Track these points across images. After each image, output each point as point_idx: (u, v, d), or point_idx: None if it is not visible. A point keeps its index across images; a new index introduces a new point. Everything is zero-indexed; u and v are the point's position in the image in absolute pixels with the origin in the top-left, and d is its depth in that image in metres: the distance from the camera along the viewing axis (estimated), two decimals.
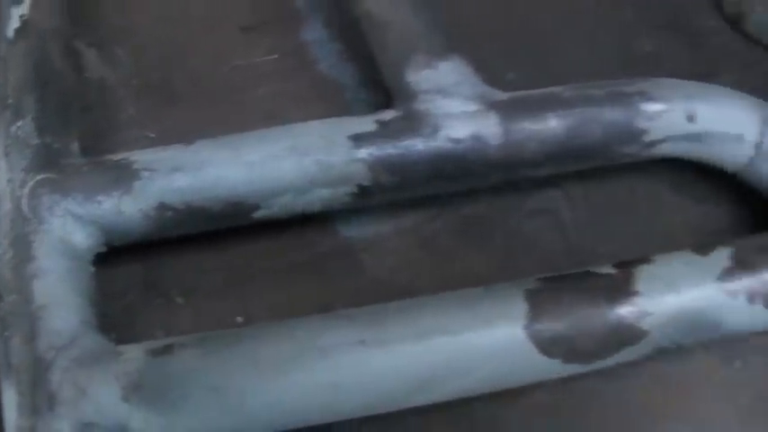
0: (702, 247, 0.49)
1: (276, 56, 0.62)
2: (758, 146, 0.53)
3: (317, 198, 0.51)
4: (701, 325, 0.48)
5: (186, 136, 0.52)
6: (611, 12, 0.65)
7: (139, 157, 0.51)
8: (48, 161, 0.51)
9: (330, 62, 0.62)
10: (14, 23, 0.57)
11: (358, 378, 0.45)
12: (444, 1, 0.59)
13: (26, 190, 0.49)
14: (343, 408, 0.46)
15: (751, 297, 0.48)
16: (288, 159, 0.51)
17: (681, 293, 0.47)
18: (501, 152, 0.51)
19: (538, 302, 0.47)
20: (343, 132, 0.51)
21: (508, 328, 0.46)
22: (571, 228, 0.57)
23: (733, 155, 0.53)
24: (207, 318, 0.53)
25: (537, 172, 0.53)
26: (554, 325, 0.46)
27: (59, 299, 0.47)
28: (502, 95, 0.52)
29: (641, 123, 0.52)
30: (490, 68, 0.56)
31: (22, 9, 0.57)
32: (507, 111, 0.51)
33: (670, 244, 0.50)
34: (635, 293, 0.47)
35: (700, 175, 0.57)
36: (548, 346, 0.46)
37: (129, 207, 0.50)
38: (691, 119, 0.52)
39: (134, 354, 0.45)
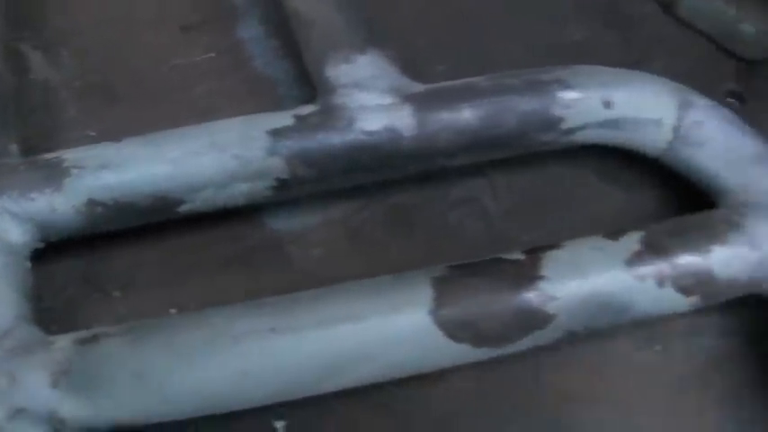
0: (614, 233, 0.50)
1: (213, 54, 0.64)
2: (676, 130, 0.53)
3: (239, 192, 0.53)
4: (610, 309, 0.49)
5: (126, 135, 0.54)
6: (543, 0, 0.65)
7: (70, 155, 0.53)
8: None
9: (265, 59, 0.64)
10: None
11: (269, 364, 0.47)
12: None
13: None
14: (257, 394, 0.47)
15: (660, 281, 0.49)
16: (208, 155, 0.52)
17: (588, 278, 0.48)
18: (415, 143, 0.52)
19: (444, 288, 0.48)
20: (261, 128, 0.53)
21: (414, 314, 0.48)
22: (495, 216, 0.58)
23: (652, 140, 0.54)
24: (142, 311, 0.55)
25: (453, 161, 0.54)
26: (459, 310, 0.48)
27: None
28: (418, 87, 0.53)
29: (558, 111, 0.53)
30: (421, 61, 0.58)
31: None
32: (422, 102, 0.53)
33: (594, 231, 0.51)
34: (540, 278, 0.48)
35: (625, 161, 0.58)
36: (454, 330, 0.47)
37: (60, 204, 0.52)
38: (608, 105, 0.53)
39: (63, 343, 0.47)
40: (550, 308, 0.48)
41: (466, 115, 0.53)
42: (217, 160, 0.52)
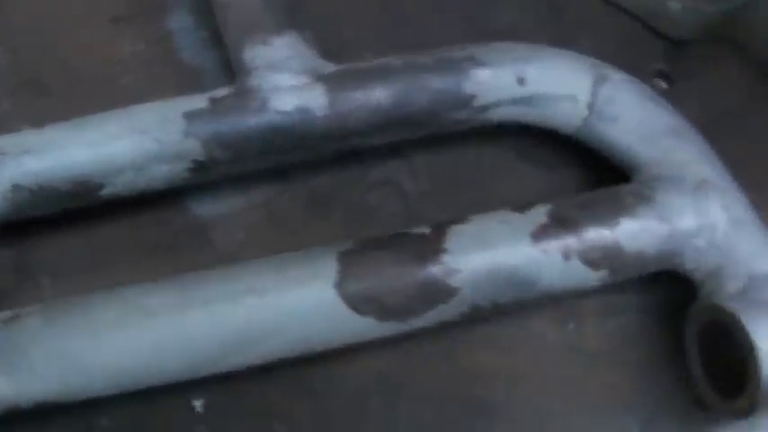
0: (522, 206, 0.51)
1: (143, 46, 0.65)
2: (591, 106, 0.54)
3: (158, 175, 0.54)
4: (515, 282, 0.50)
5: None
6: None
7: None
8: None
9: (193, 50, 0.65)
10: None
11: (180, 338, 0.48)
12: None
13: None
14: (171, 368, 0.49)
15: (566, 254, 0.49)
16: (126, 138, 0.54)
17: (492, 251, 0.49)
18: (328, 123, 0.53)
19: (349, 262, 0.49)
20: (177, 111, 0.54)
21: (319, 288, 0.49)
22: (413, 197, 0.59)
23: (567, 116, 0.55)
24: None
25: (369, 141, 0.55)
26: (363, 283, 0.49)
27: None
28: (332, 68, 0.54)
29: (470, 88, 0.54)
30: (348, 48, 0.60)
31: None
32: (335, 82, 0.54)
33: None
34: (443, 251, 0.49)
35: (544, 140, 0.59)
36: (358, 304, 0.48)
37: None
38: (521, 82, 0.54)
39: None
40: (454, 281, 0.48)
41: (378, 94, 0.54)
42: (135, 143, 0.53)
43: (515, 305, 0.51)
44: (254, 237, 0.58)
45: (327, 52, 0.57)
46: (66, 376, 0.47)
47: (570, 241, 0.49)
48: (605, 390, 0.54)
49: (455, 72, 0.54)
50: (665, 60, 0.64)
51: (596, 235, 0.50)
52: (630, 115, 0.54)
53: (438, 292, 0.48)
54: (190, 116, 0.53)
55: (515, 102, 0.54)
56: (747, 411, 0.48)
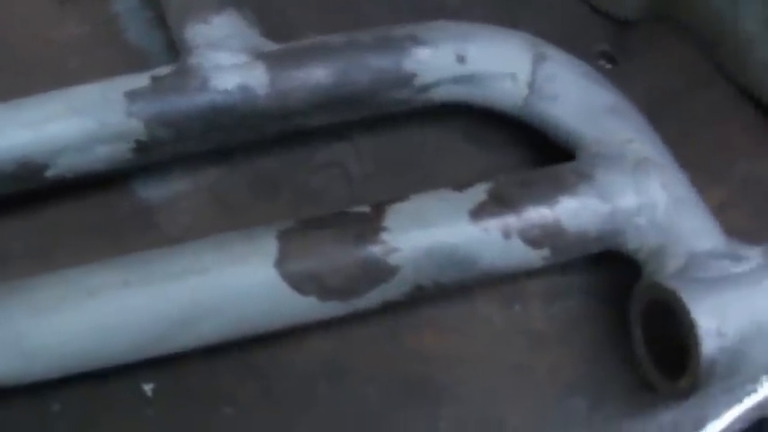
0: (463, 185, 0.49)
1: (88, 27, 0.63)
2: (531, 84, 0.53)
3: (102, 155, 0.52)
4: (455, 261, 0.48)
5: None
6: None
7: None
8: None
9: (139, 31, 0.64)
10: None
11: (123, 318, 0.46)
12: None
13: None
14: (115, 349, 0.47)
15: (506, 232, 0.48)
16: (67, 118, 0.52)
17: (430, 229, 0.48)
18: (269, 102, 0.52)
19: (289, 241, 0.48)
20: (118, 90, 0.52)
21: (259, 266, 0.47)
22: (358, 179, 0.58)
23: (509, 96, 0.54)
24: None
25: (311, 121, 0.53)
26: (303, 262, 0.47)
27: None
28: (273, 46, 0.53)
29: (410, 67, 0.53)
30: (284, 23, 0.58)
31: None
32: (275, 61, 0.52)
33: None
34: (383, 229, 0.47)
35: (490, 121, 0.58)
36: (299, 283, 0.47)
37: None
38: (461, 60, 0.53)
39: None
40: (393, 259, 0.47)
41: (318, 73, 0.52)
42: (76, 123, 0.51)
43: (459, 285, 0.50)
44: (200, 220, 0.56)
45: (270, 31, 0.56)
46: (9, 360, 0.46)
47: (510, 220, 0.48)
48: (551, 371, 0.53)
49: (395, 51, 0.52)
50: (609, 41, 0.63)
51: (536, 213, 0.48)
52: (570, 94, 0.53)
53: (379, 271, 0.47)
54: (131, 95, 0.52)
55: (456, 80, 0.53)
56: (689, 391, 0.47)
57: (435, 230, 0.48)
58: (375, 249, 0.47)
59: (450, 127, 0.60)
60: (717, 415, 0.53)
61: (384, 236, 0.47)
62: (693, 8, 0.62)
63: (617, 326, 0.53)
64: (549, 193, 0.49)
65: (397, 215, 0.48)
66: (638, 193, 0.50)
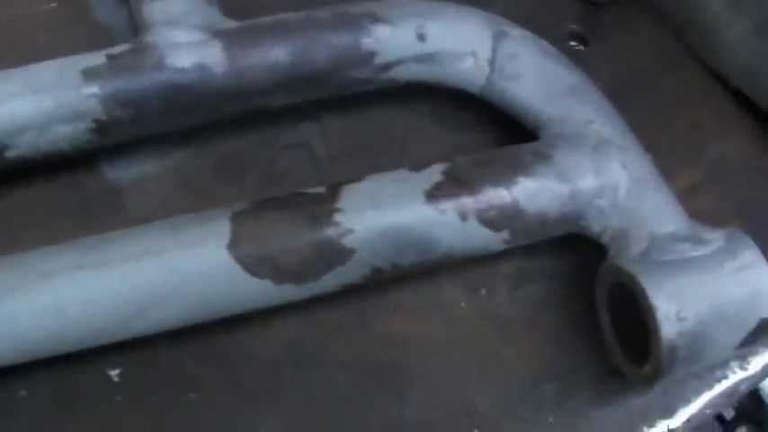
0: (420, 166, 0.47)
1: (55, 4, 0.61)
2: (492, 63, 0.51)
3: (61, 135, 0.50)
4: (412, 243, 0.46)
5: None
6: None
7: None
8: None
9: (107, 8, 0.61)
10: None
11: (77, 300, 0.44)
12: None
13: None
14: (73, 333, 0.45)
15: (463, 213, 0.46)
16: (25, 97, 0.50)
17: (385, 209, 0.46)
18: (227, 81, 0.50)
19: (242, 222, 0.46)
20: (75, 68, 0.50)
21: (212, 248, 0.45)
22: (325, 161, 0.56)
23: (470, 75, 0.52)
24: None
25: (272, 101, 0.51)
26: (255, 244, 0.45)
27: None
28: (231, 24, 0.51)
29: (369, 45, 0.51)
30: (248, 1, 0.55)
31: None
32: (233, 39, 0.50)
33: None
34: (336, 210, 0.45)
35: (459, 102, 0.56)
36: (252, 265, 0.45)
37: None
38: (421, 38, 0.51)
39: None
40: (348, 241, 0.45)
41: (276, 51, 0.50)
42: (33, 102, 0.49)
43: (419, 268, 0.48)
44: (167, 201, 0.54)
45: (231, 9, 0.54)
46: None
47: (466, 201, 0.46)
48: (519, 357, 0.51)
49: (354, 28, 0.51)
50: (580, 22, 0.61)
51: (493, 194, 0.46)
52: (532, 72, 0.51)
53: (334, 254, 0.45)
54: (87, 73, 0.50)
55: (417, 59, 0.51)
56: (653, 377, 0.45)
57: (390, 212, 0.46)
58: (329, 231, 0.45)
59: (417, 108, 0.57)
60: (686, 401, 0.51)
61: (338, 217, 0.45)
62: None
63: (585, 311, 0.51)
64: (506, 174, 0.47)
65: (351, 196, 0.46)
66: (598, 175, 0.48)
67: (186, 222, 0.47)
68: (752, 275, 0.45)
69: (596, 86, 0.52)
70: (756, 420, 0.94)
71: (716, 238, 0.46)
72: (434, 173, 0.46)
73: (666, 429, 0.49)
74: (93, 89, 0.49)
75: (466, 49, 0.51)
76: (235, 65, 0.49)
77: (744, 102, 0.60)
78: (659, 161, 0.51)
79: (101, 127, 0.50)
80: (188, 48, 0.50)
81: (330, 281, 0.46)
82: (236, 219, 0.46)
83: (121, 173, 0.56)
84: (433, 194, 0.46)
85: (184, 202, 0.54)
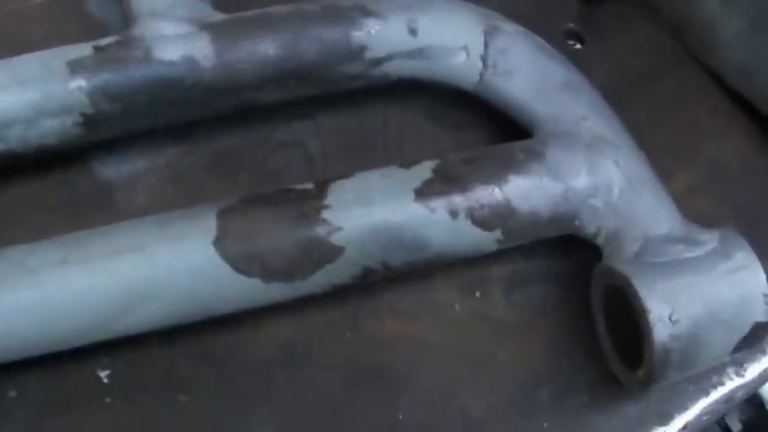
0: (410, 162, 0.45)
1: None
2: (484, 58, 0.49)
3: (49, 129, 0.48)
4: (402, 242, 0.45)
5: None
6: None
7: None
8: None
9: (99, 2, 0.60)
10: None
11: (63, 296, 0.43)
12: None
13: None
14: (59, 330, 0.43)
15: (453, 211, 0.44)
16: (11, 89, 0.48)
17: (373, 207, 0.44)
18: (215, 74, 0.48)
19: (229, 219, 0.44)
20: (61, 59, 0.48)
21: (198, 245, 0.43)
22: (318, 159, 0.54)
23: (463, 71, 0.50)
24: None
25: (263, 96, 0.50)
26: (242, 240, 0.43)
27: None
28: (219, 16, 0.49)
29: (360, 39, 0.49)
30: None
31: None
32: (221, 32, 0.49)
33: None
34: (324, 207, 0.44)
35: (454, 100, 0.54)
36: (239, 263, 0.43)
37: None
38: (413, 32, 0.49)
39: None
40: (336, 239, 0.43)
41: (265, 45, 0.49)
42: (19, 94, 0.47)
43: (411, 268, 0.46)
44: (159, 199, 0.52)
45: (220, 1, 0.52)
46: None
47: (457, 198, 0.44)
48: (514, 361, 0.49)
49: (344, 21, 0.49)
50: (577, 20, 0.59)
51: (484, 192, 0.44)
52: (525, 69, 0.49)
53: (322, 252, 0.43)
54: (73, 65, 0.48)
55: (409, 55, 0.49)
56: (647, 381, 0.43)
57: (379, 209, 0.44)
58: (317, 228, 0.43)
59: (412, 106, 0.56)
60: (683, 408, 0.49)
61: (326, 214, 0.43)
62: None
63: (581, 314, 0.49)
64: (497, 172, 0.45)
65: (339, 192, 0.44)
66: (592, 173, 0.46)
67: (172, 218, 0.45)
68: (746, 277, 0.43)
69: (590, 83, 0.49)
70: None
71: (710, 239, 0.45)
72: (424, 170, 0.45)
73: None
74: (80, 82, 0.48)
75: (458, 43, 0.49)
76: (223, 58, 0.48)
77: (740, 101, 0.58)
78: (655, 161, 0.50)
79: (88, 121, 0.48)
80: (175, 40, 0.48)
81: (319, 280, 0.44)
82: (222, 215, 0.44)
83: (113, 170, 0.54)
84: (423, 192, 0.44)
85: (177, 200, 0.52)
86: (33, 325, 0.43)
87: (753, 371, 0.50)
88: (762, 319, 0.43)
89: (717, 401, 0.49)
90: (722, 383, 0.49)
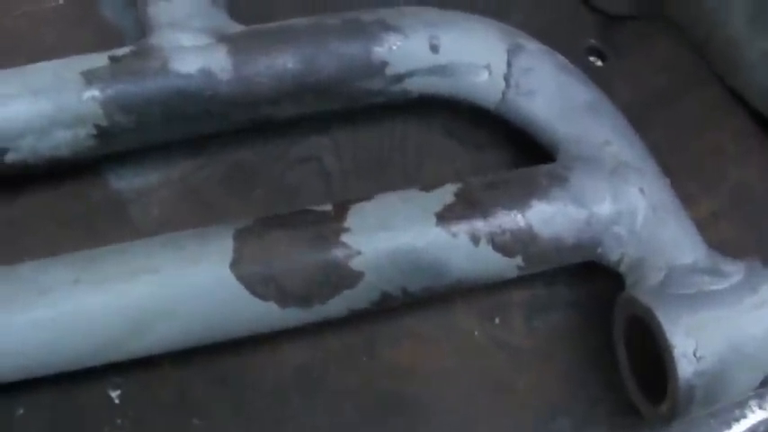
0: (431, 185, 0.42)
1: (62, 1, 0.58)
2: (507, 77, 0.46)
3: (62, 140, 0.47)
4: (422, 267, 0.43)
5: None
6: None
7: None
8: None
9: (113, 7, 0.58)
10: None
11: (75, 317, 0.41)
12: None
13: None
14: (69, 350, 0.42)
15: (474, 237, 0.42)
16: (24, 99, 0.46)
17: (394, 231, 0.42)
18: (233, 88, 0.46)
19: (245, 240, 0.42)
20: (75, 69, 0.46)
21: (214, 266, 0.42)
22: (336, 175, 0.52)
23: (485, 89, 0.48)
24: None
25: (280, 111, 0.47)
26: (259, 263, 0.42)
27: None
28: (237, 28, 0.46)
29: (381, 55, 0.47)
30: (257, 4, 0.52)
31: None
32: (239, 44, 0.47)
33: None
34: (344, 230, 0.42)
35: (475, 119, 0.52)
36: (256, 286, 0.41)
37: None
38: (434, 49, 0.47)
39: None
40: (356, 263, 0.42)
41: (283, 58, 0.47)
42: (31, 104, 0.46)
43: (430, 294, 0.44)
44: (173, 213, 0.51)
45: (238, 12, 0.50)
46: None
47: (478, 224, 0.42)
48: (533, 389, 0.47)
49: (364, 36, 0.47)
50: (598, 37, 0.56)
51: (506, 218, 0.43)
52: (548, 89, 0.47)
53: (340, 276, 0.41)
54: (88, 75, 0.46)
55: (430, 72, 0.47)
56: (670, 416, 0.41)
57: (399, 233, 0.42)
58: (336, 252, 0.42)
59: (432, 124, 0.54)
60: None
61: (345, 237, 0.42)
62: (684, 5, 0.57)
63: (602, 342, 0.47)
64: (520, 197, 0.43)
65: (359, 215, 0.42)
66: (616, 200, 0.44)
67: (188, 238, 0.43)
68: None
69: (613, 104, 0.47)
70: None
71: (736, 271, 0.43)
72: (446, 193, 0.43)
73: None
74: (94, 92, 0.46)
75: (480, 62, 0.47)
76: (240, 71, 0.46)
77: (765, 123, 0.56)
78: (678, 186, 0.48)
79: (102, 133, 0.46)
80: (193, 52, 0.46)
81: (337, 305, 0.42)
82: (239, 236, 0.42)
83: (127, 183, 0.52)
84: (445, 216, 0.42)
85: (190, 215, 0.51)
86: (44, 344, 0.41)
87: None
88: None
89: None
90: (745, 416, 0.47)
